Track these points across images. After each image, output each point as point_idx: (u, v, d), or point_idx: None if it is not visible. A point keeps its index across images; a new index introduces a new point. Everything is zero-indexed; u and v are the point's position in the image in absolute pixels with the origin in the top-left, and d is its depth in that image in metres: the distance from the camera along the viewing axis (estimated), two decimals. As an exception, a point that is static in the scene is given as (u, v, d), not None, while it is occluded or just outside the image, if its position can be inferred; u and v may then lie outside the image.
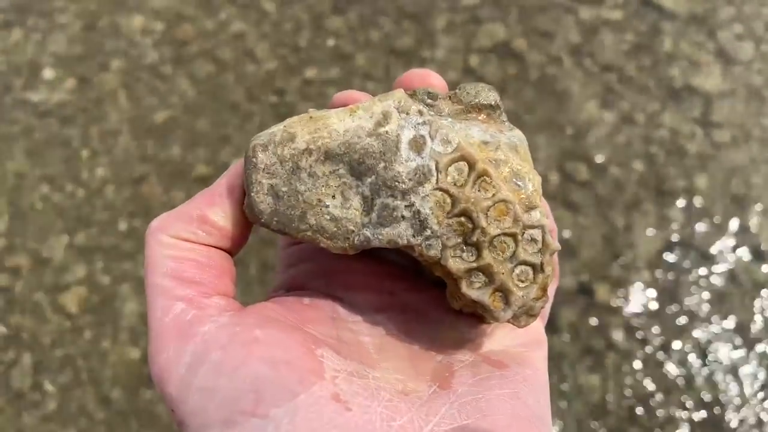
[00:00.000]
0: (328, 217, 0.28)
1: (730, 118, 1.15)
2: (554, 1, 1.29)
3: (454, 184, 0.28)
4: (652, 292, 1.00)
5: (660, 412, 0.92)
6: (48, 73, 1.25)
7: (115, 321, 1.01)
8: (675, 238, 1.04)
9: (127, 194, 1.11)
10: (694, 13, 1.26)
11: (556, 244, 0.28)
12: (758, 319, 0.98)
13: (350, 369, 0.26)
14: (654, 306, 0.99)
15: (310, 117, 0.28)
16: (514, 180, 0.28)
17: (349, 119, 0.28)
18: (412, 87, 0.31)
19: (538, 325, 0.31)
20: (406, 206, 0.28)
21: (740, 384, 0.93)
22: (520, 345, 0.30)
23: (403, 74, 0.32)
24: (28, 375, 0.98)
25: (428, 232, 0.28)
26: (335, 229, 0.28)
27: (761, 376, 0.94)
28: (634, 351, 0.96)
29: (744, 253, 1.02)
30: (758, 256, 1.02)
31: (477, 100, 0.30)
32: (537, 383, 0.28)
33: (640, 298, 1.00)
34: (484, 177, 0.28)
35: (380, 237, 0.28)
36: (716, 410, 0.92)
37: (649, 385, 0.94)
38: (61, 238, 1.08)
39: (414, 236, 0.28)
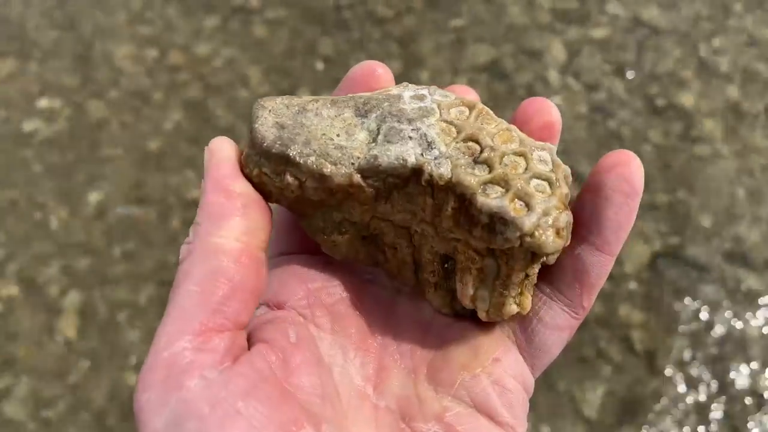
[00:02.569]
0: (333, 146, 0.28)
1: (712, 132, 1.17)
2: (540, 21, 1.32)
3: (457, 119, 0.28)
4: (639, 304, 1.01)
5: (651, 417, 0.93)
6: (42, 103, 1.26)
7: (112, 347, 1.01)
8: (663, 251, 1.05)
9: (121, 221, 1.12)
10: (677, 30, 1.29)
11: (566, 167, 0.27)
12: (747, 329, 0.99)
13: None
14: (641, 318, 1.00)
15: None
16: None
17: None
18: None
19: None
20: (412, 129, 0.28)
21: (734, 384, 0.94)
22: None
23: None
24: (23, 403, 0.98)
25: (436, 152, 0.27)
26: (340, 154, 0.27)
27: (748, 382, 0.95)
28: (626, 361, 0.97)
29: (730, 264, 1.04)
30: (744, 266, 1.04)
31: None
32: None
33: (627, 310, 1.01)
34: (485, 115, 0.29)
35: (388, 153, 0.27)
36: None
37: (641, 391, 0.94)
38: (56, 265, 1.08)
39: (422, 155, 0.27)
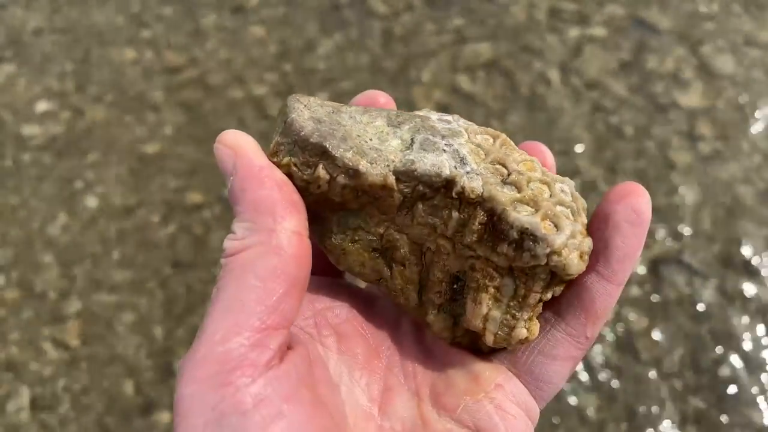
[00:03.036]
0: (369, 147, 0.28)
1: (714, 131, 1.16)
2: (540, 19, 1.31)
3: (484, 143, 0.29)
4: (643, 307, 1.00)
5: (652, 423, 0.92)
6: (41, 107, 1.26)
7: (111, 352, 1.01)
8: (665, 252, 1.04)
9: (120, 225, 1.12)
10: (677, 29, 1.28)
11: (583, 200, 0.29)
12: (747, 332, 0.98)
13: None
14: (644, 323, 0.99)
15: None
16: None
17: None
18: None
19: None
20: (445, 144, 0.28)
21: (728, 394, 0.93)
22: None
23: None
24: (24, 408, 0.98)
25: (468, 168, 0.28)
26: (376, 155, 0.28)
27: (755, 386, 0.94)
28: (627, 367, 0.96)
29: (732, 265, 1.03)
30: (746, 268, 1.02)
31: None
32: None
33: (629, 314, 1.00)
34: (508, 144, 0.30)
35: (424, 160, 0.27)
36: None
37: (642, 399, 0.94)
38: (55, 270, 1.08)
39: (456, 168, 0.28)
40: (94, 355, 1.01)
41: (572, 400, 0.93)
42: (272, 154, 0.28)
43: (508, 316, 0.28)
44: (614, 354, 0.96)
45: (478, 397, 0.28)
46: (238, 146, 0.26)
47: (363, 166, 0.27)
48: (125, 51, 1.32)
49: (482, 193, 0.27)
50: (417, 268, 0.30)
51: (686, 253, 1.04)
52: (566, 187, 0.29)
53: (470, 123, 0.31)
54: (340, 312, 0.30)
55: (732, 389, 0.93)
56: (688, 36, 1.27)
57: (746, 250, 1.04)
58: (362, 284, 0.34)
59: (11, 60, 1.33)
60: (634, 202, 0.27)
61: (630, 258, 0.27)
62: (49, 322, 1.04)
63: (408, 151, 0.28)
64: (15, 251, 1.10)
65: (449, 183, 0.27)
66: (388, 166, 0.28)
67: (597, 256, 0.27)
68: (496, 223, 0.27)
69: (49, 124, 1.24)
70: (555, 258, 0.26)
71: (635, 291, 1.01)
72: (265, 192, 0.25)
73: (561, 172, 1.12)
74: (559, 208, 0.27)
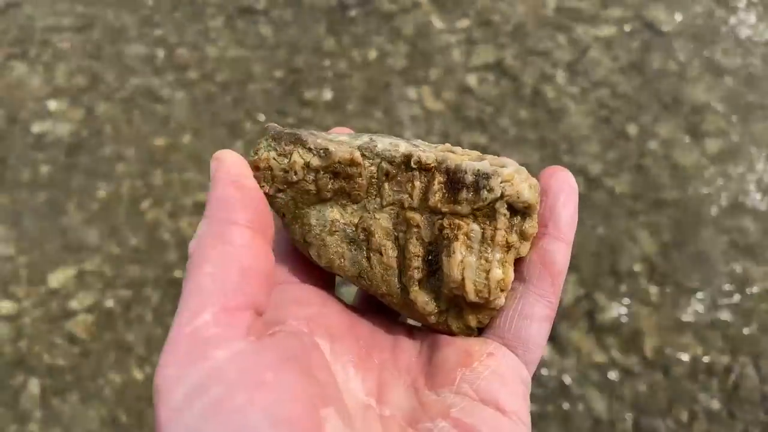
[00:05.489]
0: (337, 140, 0.32)
1: (719, 127, 1.17)
2: (547, 19, 1.32)
3: (437, 147, 0.33)
4: (649, 301, 1.01)
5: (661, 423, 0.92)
6: (53, 105, 1.28)
7: (121, 343, 1.02)
8: (671, 247, 1.05)
9: (131, 219, 1.13)
10: (683, 28, 1.29)
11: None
12: (754, 322, 0.98)
13: None
14: (651, 316, 1.00)
15: None
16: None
17: None
18: None
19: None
20: (403, 141, 0.32)
21: (738, 390, 0.94)
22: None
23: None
24: (35, 400, 0.99)
25: (422, 148, 0.32)
26: (343, 142, 0.32)
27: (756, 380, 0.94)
28: (634, 362, 0.97)
29: (738, 259, 1.04)
30: (754, 261, 1.03)
31: None
32: None
33: (637, 307, 1.01)
34: (464, 149, 0.33)
35: (383, 140, 0.32)
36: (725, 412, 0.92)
37: (649, 394, 0.94)
38: (67, 265, 1.09)
39: (411, 146, 0.32)
40: (105, 346, 1.02)
41: None
42: (254, 152, 0.32)
43: (482, 261, 0.30)
44: None
45: (473, 366, 0.29)
46: (222, 159, 0.29)
47: (332, 146, 0.31)
48: (136, 48, 1.33)
49: (437, 158, 0.31)
50: (393, 253, 0.32)
51: (692, 247, 1.05)
52: (510, 162, 0.32)
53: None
54: (332, 317, 0.31)
55: None
56: (694, 34, 1.28)
57: (753, 244, 1.05)
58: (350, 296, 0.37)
59: (23, 58, 1.34)
60: (564, 176, 0.32)
61: (573, 219, 0.31)
62: (61, 314, 1.05)
63: (369, 141, 0.32)
64: (27, 245, 1.12)
65: (407, 157, 0.31)
66: (352, 147, 0.31)
67: (546, 222, 0.31)
68: (452, 176, 0.30)
69: (61, 122, 1.25)
70: (508, 187, 0.30)
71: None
72: (226, 191, 0.28)
73: (567, 169, 1.12)
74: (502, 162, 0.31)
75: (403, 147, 0.31)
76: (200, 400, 0.22)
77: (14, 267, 1.09)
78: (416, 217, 0.31)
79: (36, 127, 1.25)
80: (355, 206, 0.33)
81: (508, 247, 0.31)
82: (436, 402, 0.28)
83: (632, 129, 1.17)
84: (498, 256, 0.30)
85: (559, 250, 0.31)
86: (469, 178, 0.30)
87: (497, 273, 0.30)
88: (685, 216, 1.08)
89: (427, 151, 0.31)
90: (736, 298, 1.01)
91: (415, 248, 0.32)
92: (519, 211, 0.30)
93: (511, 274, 0.31)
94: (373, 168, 0.32)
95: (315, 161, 0.31)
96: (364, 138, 0.32)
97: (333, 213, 0.33)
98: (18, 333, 1.04)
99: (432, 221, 0.31)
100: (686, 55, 1.25)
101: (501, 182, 0.30)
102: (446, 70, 1.26)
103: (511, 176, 0.30)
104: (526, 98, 1.21)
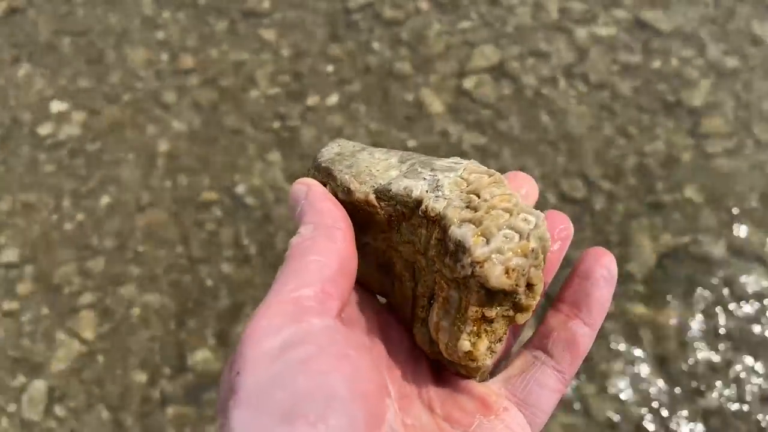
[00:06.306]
0: (367, 174, 0.33)
1: (720, 129, 1.17)
2: (547, 21, 1.33)
3: (473, 179, 0.31)
4: (649, 304, 1.02)
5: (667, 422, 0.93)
6: (56, 107, 1.29)
7: (125, 346, 1.03)
8: (670, 250, 1.06)
9: (134, 221, 1.14)
10: (682, 30, 1.30)
11: (547, 235, 0.29)
12: (755, 326, 0.99)
13: None
14: (650, 317, 1.00)
15: None
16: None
17: None
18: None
19: None
20: (429, 174, 0.32)
21: (737, 391, 0.94)
22: None
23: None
24: (40, 401, 0.99)
25: (440, 193, 0.31)
26: (368, 179, 0.32)
27: (759, 385, 0.95)
28: (634, 360, 0.97)
29: (738, 260, 1.04)
30: (755, 263, 1.04)
31: None
32: None
33: (637, 309, 1.01)
34: (498, 181, 0.31)
35: (400, 183, 0.31)
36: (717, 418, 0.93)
37: (648, 396, 0.95)
38: (70, 266, 1.10)
39: (427, 192, 0.31)
40: (109, 349, 1.03)
41: None
42: (307, 172, 0.35)
43: (455, 328, 0.30)
44: None
45: (490, 417, 0.31)
46: (312, 184, 0.33)
47: (353, 185, 0.32)
48: (139, 52, 1.35)
49: (440, 212, 0.30)
50: (410, 284, 0.33)
51: (694, 248, 1.05)
52: (533, 219, 0.29)
53: (480, 165, 0.33)
54: (372, 320, 0.33)
55: None
56: (693, 37, 1.28)
57: (754, 247, 1.05)
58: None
59: (28, 60, 1.35)
60: (608, 263, 0.32)
61: (605, 308, 0.32)
62: (64, 316, 1.06)
63: (396, 178, 0.32)
64: (32, 247, 1.12)
65: (418, 203, 0.31)
66: (373, 186, 0.32)
67: (580, 306, 0.32)
68: (443, 236, 0.29)
69: (64, 124, 1.26)
70: (477, 269, 0.27)
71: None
72: (325, 204, 0.31)
73: (566, 172, 1.13)
74: (505, 231, 0.28)
75: (416, 191, 0.31)
76: (292, 352, 0.24)
77: (19, 270, 1.10)
78: (422, 261, 0.32)
79: (40, 129, 1.26)
80: (382, 234, 0.33)
81: (488, 320, 0.30)
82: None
83: (632, 130, 1.18)
84: (469, 329, 0.29)
85: (585, 334, 0.32)
86: (451, 246, 0.29)
87: (464, 345, 0.29)
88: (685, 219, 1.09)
89: (439, 201, 0.30)
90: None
91: (422, 288, 0.32)
92: (489, 291, 0.29)
93: (482, 349, 0.30)
94: (390, 208, 0.32)
95: (341, 195, 0.33)
96: (394, 164, 0.33)
97: (366, 237, 0.34)
98: (19, 332, 1.05)
99: (432, 269, 0.31)
100: (685, 55, 1.26)
101: (470, 262, 0.28)
102: (446, 74, 1.26)
103: (483, 258, 0.28)
104: (526, 100, 1.22)
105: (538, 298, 0.30)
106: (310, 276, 0.27)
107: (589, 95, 1.22)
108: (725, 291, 1.02)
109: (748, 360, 0.96)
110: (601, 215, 1.09)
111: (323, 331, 0.26)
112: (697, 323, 1.00)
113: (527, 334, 0.35)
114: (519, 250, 0.28)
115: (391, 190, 0.31)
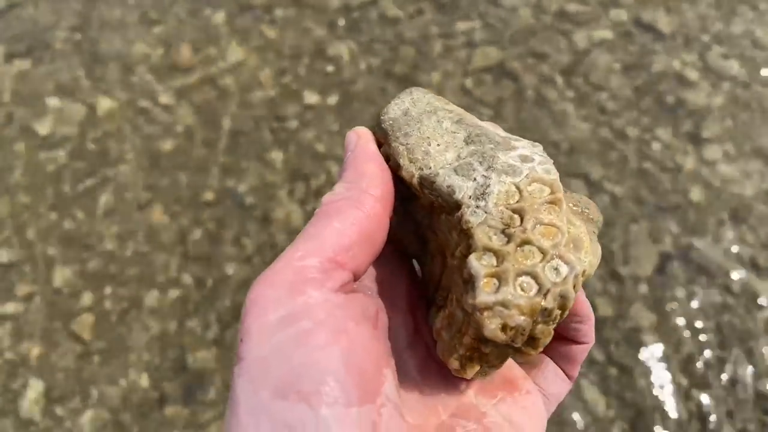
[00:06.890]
0: (423, 149, 0.31)
1: (720, 132, 1.18)
2: (547, 23, 1.33)
3: (530, 192, 0.28)
4: (651, 306, 1.02)
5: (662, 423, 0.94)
6: (53, 103, 1.27)
7: (124, 346, 1.03)
8: (672, 252, 1.06)
9: (134, 220, 1.13)
10: (682, 32, 1.30)
11: (572, 293, 0.27)
12: (755, 330, 1.00)
13: (395, 402, 0.27)
14: (651, 319, 1.01)
15: None
16: (573, 241, 0.28)
17: None
18: None
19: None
20: (482, 175, 0.29)
21: (735, 392, 0.95)
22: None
23: None
24: (37, 402, 0.99)
25: (483, 203, 0.28)
26: (421, 158, 0.31)
27: (755, 385, 0.96)
28: (634, 364, 0.98)
29: (739, 265, 1.05)
30: (754, 267, 1.04)
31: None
32: None
33: (639, 312, 1.02)
34: (556, 204, 0.28)
35: (447, 178, 0.30)
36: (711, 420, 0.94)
37: (648, 396, 0.95)
38: (69, 266, 1.10)
39: (470, 198, 0.29)
40: (108, 349, 1.02)
41: (577, 397, 0.94)
42: (371, 127, 0.34)
43: (452, 344, 0.29)
44: None
45: (514, 395, 0.31)
46: (362, 133, 0.33)
47: (403, 161, 0.31)
48: (138, 49, 1.33)
49: (472, 227, 0.28)
50: (439, 269, 0.32)
51: (693, 252, 1.06)
52: (565, 268, 0.27)
53: (549, 171, 0.30)
54: (399, 287, 0.34)
55: None
56: (694, 39, 1.28)
57: (755, 250, 1.06)
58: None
59: (24, 56, 1.34)
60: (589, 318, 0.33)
61: (587, 305, 0.32)
62: (63, 316, 1.05)
63: (448, 166, 0.30)
64: (30, 246, 1.12)
65: (458, 206, 0.29)
66: (421, 169, 0.31)
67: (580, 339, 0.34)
68: (466, 253, 0.28)
69: (62, 120, 1.25)
70: (476, 315, 0.26)
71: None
72: (366, 166, 0.31)
73: (568, 174, 1.13)
74: (525, 278, 0.26)
75: (459, 194, 0.29)
76: (292, 327, 0.25)
77: (18, 270, 1.10)
78: (449, 259, 0.31)
79: (38, 127, 1.25)
80: (424, 211, 0.33)
81: (482, 353, 0.28)
82: (471, 405, 0.30)
83: (632, 132, 1.18)
84: (462, 351, 0.28)
85: (582, 350, 0.33)
86: (466, 275, 0.27)
87: (454, 363, 0.29)
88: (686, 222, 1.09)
89: (477, 214, 0.28)
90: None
91: (446, 281, 0.31)
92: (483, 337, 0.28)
93: (471, 373, 0.29)
94: (432, 198, 0.31)
95: (391, 164, 0.32)
96: (457, 158, 0.31)
97: (410, 205, 0.33)
98: (19, 333, 1.04)
99: (453, 274, 0.30)
100: (686, 58, 1.26)
101: (471, 305, 0.26)
102: (447, 74, 1.26)
103: (484, 306, 0.26)
104: (526, 101, 1.22)
105: (539, 350, 0.28)
106: (323, 243, 0.28)
107: (589, 96, 1.22)
108: (725, 292, 1.02)
109: (744, 359, 0.97)
110: (603, 214, 1.09)
111: (322, 304, 0.26)
112: (697, 323, 1.00)
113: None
114: (527, 309, 0.26)
115: (435, 182, 0.30)
